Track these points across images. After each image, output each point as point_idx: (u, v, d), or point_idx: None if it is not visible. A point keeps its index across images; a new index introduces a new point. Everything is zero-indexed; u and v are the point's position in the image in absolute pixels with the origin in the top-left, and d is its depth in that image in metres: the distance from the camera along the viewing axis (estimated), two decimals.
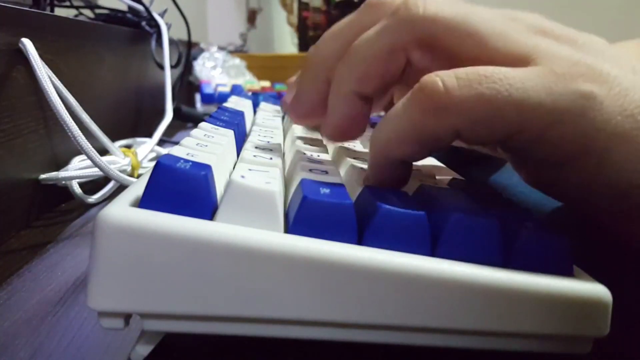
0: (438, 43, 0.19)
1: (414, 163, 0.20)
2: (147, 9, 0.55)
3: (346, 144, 0.27)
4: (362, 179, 0.20)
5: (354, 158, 0.23)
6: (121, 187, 0.34)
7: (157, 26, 0.57)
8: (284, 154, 0.26)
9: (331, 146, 0.27)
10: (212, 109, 0.72)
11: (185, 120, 0.64)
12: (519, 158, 0.21)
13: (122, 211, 0.14)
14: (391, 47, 0.19)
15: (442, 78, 0.17)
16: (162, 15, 0.59)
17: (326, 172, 0.19)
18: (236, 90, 0.78)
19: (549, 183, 0.20)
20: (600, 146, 0.17)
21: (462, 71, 0.17)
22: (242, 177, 0.16)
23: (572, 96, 0.16)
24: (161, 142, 0.48)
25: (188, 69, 0.75)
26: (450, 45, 0.19)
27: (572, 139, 0.17)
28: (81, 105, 0.31)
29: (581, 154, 0.17)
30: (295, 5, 1.62)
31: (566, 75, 0.17)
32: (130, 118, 0.52)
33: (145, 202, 0.15)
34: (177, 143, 0.20)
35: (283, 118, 0.37)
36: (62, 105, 0.28)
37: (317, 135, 0.28)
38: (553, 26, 0.19)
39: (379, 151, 0.19)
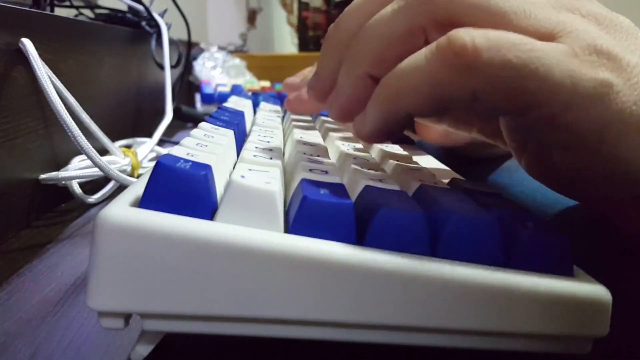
0: (458, 23, 0.18)
1: (414, 161, 0.20)
2: (147, 9, 0.55)
3: (346, 144, 0.27)
4: (362, 178, 0.20)
5: (354, 158, 0.23)
6: (121, 187, 0.34)
7: (157, 26, 0.57)
8: (284, 154, 0.26)
9: (331, 146, 0.27)
10: (212, 109, 0.72)
11: (185, 120, 0.64)
12: (524, 141, 0.21)
13: (122, 211, 0.14)
14: (409, 28, 0.19)
15: (473, 36, 0.16)
16: (162, 15, 0.59)
17: (326, 172, 0.19)
18: (236, 90, 0.78)
19: (550, 170, 0.20)
20: (613, 134, 0.17)
21: (494, 34, 0.17)
22: (242, 177, 0.16)
23: (591, 83, 0.17)
24: (161, 142, 0.48)
25: (188, 69, 0.75)
26: (472, 25, 0.18)
27: (586, 124, 0.17)
28: (81, 105, 0.32)
29: (592, 140, 0.17)
30: (295, 5, 1.62)
31: (588, 61, 0.17)
32: (130, 118, 0.52)
33: (145, 202, 0.15)
34: (177, 143, 0.20)
35: (283, 118, 0.37)
36: (62, 105, 0.28)
37: (316, 136, 0.28)
38: (580, 3, 0.19)
39: (387, 100, 0.18)
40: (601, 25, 0.18)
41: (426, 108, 0.18)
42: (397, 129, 0.19)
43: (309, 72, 0.34)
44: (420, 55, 0.17)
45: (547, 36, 0.17)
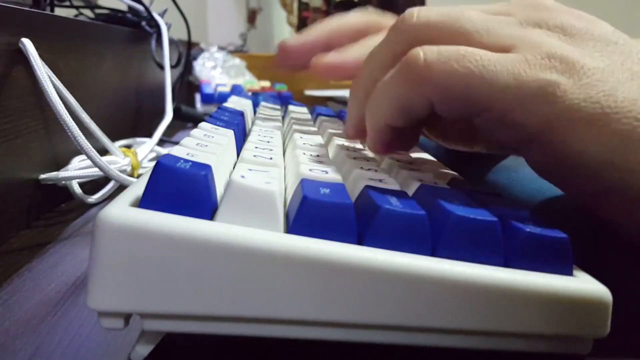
0: (433, 44, 0.20)
1: (414, 161, 0.20)
2: (147, 9, 0.55)
3: (346, 144, 0.26)
4: (362, 178, 0.20)
5: (354, 158, 0.23)
6: (121, 187, 0.34)
7: (157, 26, 0.57)
8: (284, 154, 0.26)
9: (331, 146, 0.27)
10: (212, 109, 0.72)
11: (185, 120, 0.64)
12: (490, 137, 0.23)
13: (122, 211, 0.14)
14: (392, 56, 0.21)
15: (425, 52, 0.19)
16: (162, 15, 0.59)
17: (326, 172, 0.19)
18: (236, 90, 0.78)
19: (534, 164, 0.21)
20: (561, 128, 0.18)
21: (444, 48, 0.19)
22: (242, 177, 0.16)
23: (536, 83, 0.18)
24: (161, 142, 0.48)
25: (188, 69, 0.75)
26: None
27: (535, 120, 0.18)
28: (81, 105, 0.31)
29: (544, 135, 0.18)
30: (295, 5, 1.62)
31: (538, 65, 0.18)
32: (130, 118, 0.52)
33: (145, 202, 0.15)
34: (177, 143, 0.20)
35: (283, 118, 0.37)
36: (62, 105, 0.28)
37: (317, 137, 0.28)
38: (550, 17, 0.21)
39: (369, 119, 0.22)
40: (567, 35, 0.20)
41: (398, 118, 0.21)
42: (388, 139, 0.22)
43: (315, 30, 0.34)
44: (389, 75, 0.20)
45: (505, 49, 0.19)
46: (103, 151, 0.33)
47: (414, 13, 0.21)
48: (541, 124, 0.18)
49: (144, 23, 0.56)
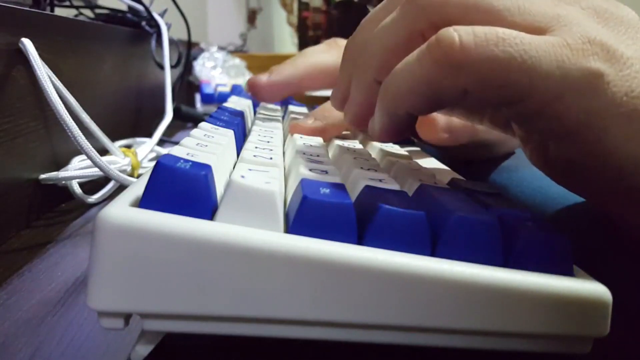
0: (454, 24, 0.18)
1: (414, 161, 0.20)
2: (147, 9, 0.55)
3: (346, 144, 0.27)
4: (362, 178, 0.20)
5: (354, 158, 0.23)
6: (121, 187, 0.34)
7: (157, 26, 0.57)
8: (284, 154, 0.26)
9: (331, 146, 0.27)
10: (212, 109, 0.72)
11: (185, 120, 0.64)
12: (527, 130, 0.21)
13: (122, 211, 0.14)
14: (409, 34, 0.19)
15: (460, 34, 0.17)
16: (162, 15, 0.59)
17: (326, 172, 0.19)
18: (236, 90, 0.78)
19: (551, 162, 0.20)
20: (601, 124, 0.17)
21: (480, 30, 0.17)
22: (242, 177, 0.16)
23: (580, 73, 0.17)
24: (161, 142, 0.48)
25: (188, 69, 0.75)
26: (467, 25, 0.18)
27: (574, 113, 0.17)
28: (81, 105, 0.32)
29: (581, 130, 0.17)
30: (295, 5, 1.62)
31: (580, 50, 0.17)
32: (130, 118, 0.52)
33: (145, 202, 0.15)
34: (177, 143, 0.20)
35: (283, 118, 0.37)
36: (62, 105, 0.28)
37: (317, 137, 0.28)
38: None
39: (386, 103, 0.19)
40: (600, 18, 0.18)
41: (423, 106, 0.19)
42: (403, 128, 0.20)
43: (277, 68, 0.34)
44: (413, 57, 0.18)
45: (540, 30, 0.18)
46: (103, 151, 0.33)
47: None
48: (580, 118, 0.17)
49: (144, 23, 0.56)
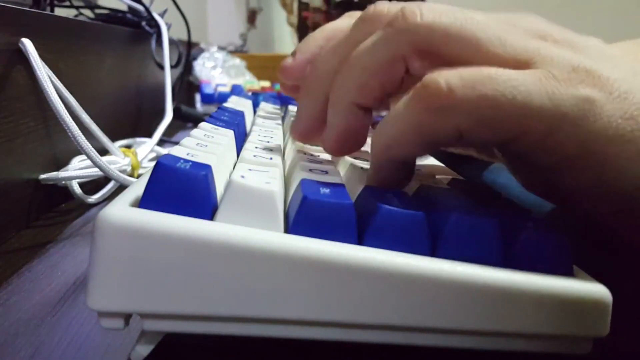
0: (437, 51, 0.19)
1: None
2: (147, 9, 0.55)
3: None
4: (362, 178, 0.20)
5: (354, 158, 0.23)
6: (121, 187, 0.34)
7: (157, 26, 0.57)
8: (284, 154, 0.26)
9: None
10: (212, 109, 0.72)
11: (185, 120, 0.64)
12: (517, 163, 0.21)
13: (122, 211, 0.14)
14: (391, 57, 0.19)
15: (446, 77, 0.17)
16: (162, 15, 0.59)
17: (326, 172, 0.19)
18: (236, 90, 0.78)
19: (547, 187, 0.20)
20: (601, 150, 0.17)
21: (466, 71, 0.17)
22: (242, 177, 0.16)
23: (573, 101, 0.17)
24: (161, 142, 0.48)
25: (188, 69, 0.75)
26: (450, 53, 0.19)
27: (572, 143, 0.17)
28: (81, 105, 0.32)
29: (582, 158, 0.17)
30: (295, 5, 1.62)
31: (567, 80, 0.17)
32: (130, 118, 0.52)
33: (145, 202, 0.15)
34: (177, 143, 0.20)
35: (283, 118, 0.37)
36: (62, 105, 0.28)
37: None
38: (551, 29, 0.19)
39: (380, 151, 0.19)
40: (574, 48, 0.18)
41: (417, 151, 0.19)
42: (403, 173, 0.20)
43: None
44: (400, 105, 0.18)
45: (523, 64, 0.18)
46: (103, 151, 0.33)
47: (417, 12, 0.19)
48: (580, 146, 0.17)
49: (144, 23, 0.56)
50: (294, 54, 0.30)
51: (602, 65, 0.18)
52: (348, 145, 0.21)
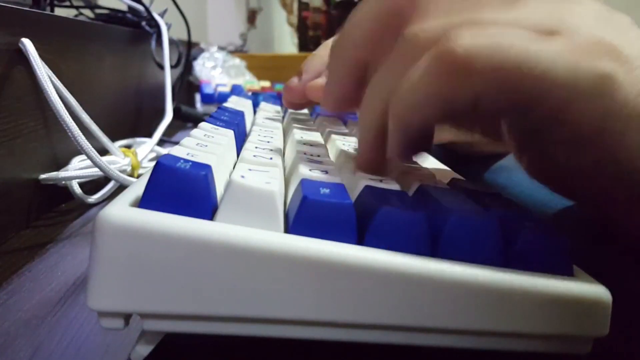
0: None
1: (414, 162, 0.20)
2: (147, 9, 0.55)
3: (346, 144, 0.26)
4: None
5: (354, 158, 0.23)
6: (121, 187, 0.34)
7: (157, 26, 0.57)
8: (284, 154, 0.26)
9: (331, 146, 0.27)
10: (212, 109, 0.72)
11: (185, 120, 0.64)
12: (527, 140, 0.21)
13: (122, 211, 0.14)
14: (386, 10, 0.20)
15: (466, 42, 0.16)
16: (162, 15, 0.59)
17: (326, 172, 0.19)
18: (236, 90, 0.78)
19: (554, 171, 0.20)
20: (617, 127, 0.17)
21: (486, 37, 0.17)
22: (242, 177, 0.16)
23: (593, 75, 0.16)
24: (161, 142, 0.48)
25: (188, 69, 0.75)
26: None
27: (589, 118, 0.17)
28: (81, 105, 0.31)
29: (597, 135, 0.17)
30: (295, 5, 1.62)
31: (589, 52, 0.17)
32: (130, 118, 0.52)
33: (145, 202, 0.15)
34: (177, 143, 0.20)
35: (283, 118, 0.37)
36: (62, 105, 0.28)
37: (317, 137, 0.28)
38: None
39: (400, 117, 0.18)
40: (599, 20, 0.18)
41: (435, 118, 0.18)
42: (421, 142, 0.19)
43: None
44: (420, 69, 0.17)
45: (546, 32, 0.17)
46: (103, 151, 0.33)
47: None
48: (596, 122, 0.17)
49: (144, 23, 0.56)
50: (299, 73, 0.30)
51: (625, 40, 0.17)
52: (346, 100, 0.22)
